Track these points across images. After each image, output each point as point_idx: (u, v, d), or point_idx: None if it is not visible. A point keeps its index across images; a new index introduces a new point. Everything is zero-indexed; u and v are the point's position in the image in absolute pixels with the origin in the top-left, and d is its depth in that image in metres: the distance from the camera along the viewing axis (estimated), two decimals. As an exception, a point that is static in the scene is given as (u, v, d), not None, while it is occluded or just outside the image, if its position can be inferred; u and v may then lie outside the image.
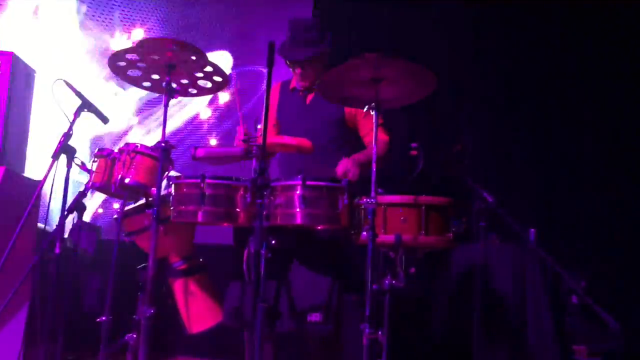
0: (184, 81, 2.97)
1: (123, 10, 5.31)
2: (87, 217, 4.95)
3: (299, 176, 2.63)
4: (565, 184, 4.59)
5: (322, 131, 3.24)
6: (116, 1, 5.35)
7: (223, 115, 5.21)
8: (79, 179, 4.62)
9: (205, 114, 5.26)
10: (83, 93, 3.01)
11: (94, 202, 5.09)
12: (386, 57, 2.56)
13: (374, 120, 2.72)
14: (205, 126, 5.25)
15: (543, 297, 3.61)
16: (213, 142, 5.14)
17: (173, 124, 5.21)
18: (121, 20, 5.31)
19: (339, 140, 3.32)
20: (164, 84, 2.83)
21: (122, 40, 5.32)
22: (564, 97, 4.72)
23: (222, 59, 5.21)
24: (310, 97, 3.40)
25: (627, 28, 4.54)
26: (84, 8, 5.30)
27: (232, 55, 5.22)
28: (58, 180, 2.93)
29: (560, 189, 4.60)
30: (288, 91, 3.50)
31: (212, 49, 5.18)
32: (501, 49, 4.86)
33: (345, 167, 3.03)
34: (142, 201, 3.17)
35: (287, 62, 3.37)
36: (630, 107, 4.51)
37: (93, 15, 5.31)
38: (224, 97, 5.23)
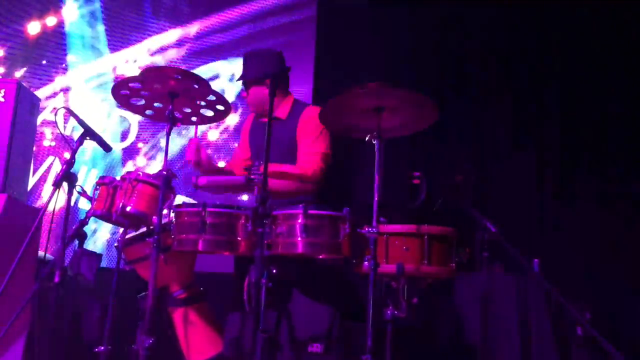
0: (187, 109, 2.99)
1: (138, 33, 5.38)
2: (100, 245, 4.94)
3: (301, 205, 2.62)
4: (569, 213, 4.57)
5: (281, 158, 3.23)
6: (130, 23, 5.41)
7: (231, 137, 5.23)
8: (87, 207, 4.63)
9: (213, 135, 5.28)
10: (86, 121, 3.02)
11: (105, 229, 5.08)
12: (388, 87, 2.57)
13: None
14: (213, 148, 5.28)
15: (547, 329, 3.56)
16: (222, 164, 5.15)
17: (180, 142, 5.24)
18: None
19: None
20: (166, 112, 2.84)
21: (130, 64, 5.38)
22: (568, 126, 4.73)
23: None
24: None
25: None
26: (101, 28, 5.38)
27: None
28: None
29: (564, 218, 4.58)
30: (257, 121, 3.56)
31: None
32: (505, 77, 4.90)
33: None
34: (143, 229, 3.16)
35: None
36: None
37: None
38: (233, 119, 5.26)
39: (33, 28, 5.31)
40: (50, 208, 2.88)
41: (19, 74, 5.22)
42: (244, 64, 3.44)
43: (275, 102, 3.38)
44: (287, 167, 2.99)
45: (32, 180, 5.09)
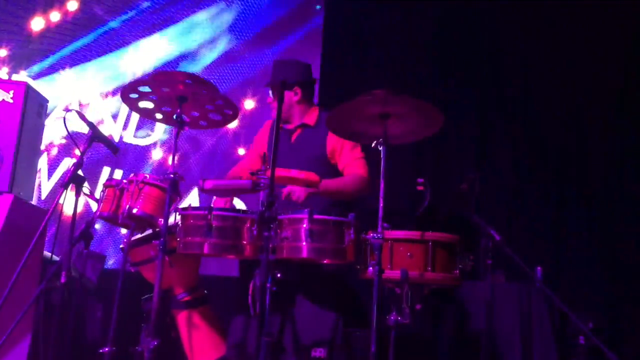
0: (195, 113, 3.01)
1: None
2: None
3: (306, 210, 2.64)
4: (572, 222, 4.58)
5: (306, 168, 3.15)
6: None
7: (249, 123, 5.16)
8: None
9: (232, 123, 5.20)
10: (94, 123, 3.05)
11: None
12: (394, 94, 2.60)
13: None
14: (232, 134, 5.22)
15: (550, 337, 3.56)
16: (241, 151, 5.13)
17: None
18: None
19: (324, 176, 3.29)
20: (174, 116, 2.87)
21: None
22: (572, 136, 4.75)
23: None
24: (295, 136, 3.43)
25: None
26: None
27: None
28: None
29: (567, 227, 4.59)
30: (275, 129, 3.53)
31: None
32: (509, 85, 4.92)
33: (291, 188, 3.03)
34: (149, 232, 3.17)
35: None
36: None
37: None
38: (249, 104, 5.26)
39: (37, 24, 5.29)
40: (56, 209, 2.90)
41: (23, 72, 5.22)
42: (272, 70, 3.45)
43: (302, 110, 3.41)
44: (295, 173, 3.01)
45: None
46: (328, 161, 3.34)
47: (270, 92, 3.47)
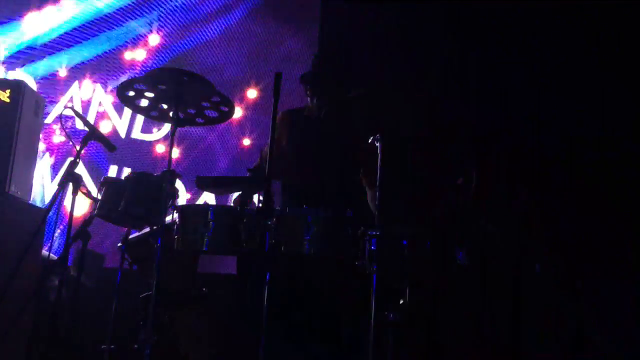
0: (191, 111, 3.00)
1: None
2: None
3: (305, 206, 2.63)
4: (569, 214, 4.56)
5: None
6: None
7: (254, 113, 5.07)
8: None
9: (237, 112, 5.09)
10: (90, 122, 3.04)
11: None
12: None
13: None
14: (237, 125, 5.09)
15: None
16: (246, 141, 5.03)
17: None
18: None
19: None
20: (171, 113, 2.86)
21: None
22: (569, 127, 4.73)
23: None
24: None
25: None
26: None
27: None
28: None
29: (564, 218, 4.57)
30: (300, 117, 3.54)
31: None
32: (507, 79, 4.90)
33: None
34: (147, 229, 3.17)
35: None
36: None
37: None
38: (252, 93, 5.18)
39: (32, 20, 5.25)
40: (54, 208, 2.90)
41: (20, 70, 5.19)
42: (313, 65, 3.47)
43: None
44: None
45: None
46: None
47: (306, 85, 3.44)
